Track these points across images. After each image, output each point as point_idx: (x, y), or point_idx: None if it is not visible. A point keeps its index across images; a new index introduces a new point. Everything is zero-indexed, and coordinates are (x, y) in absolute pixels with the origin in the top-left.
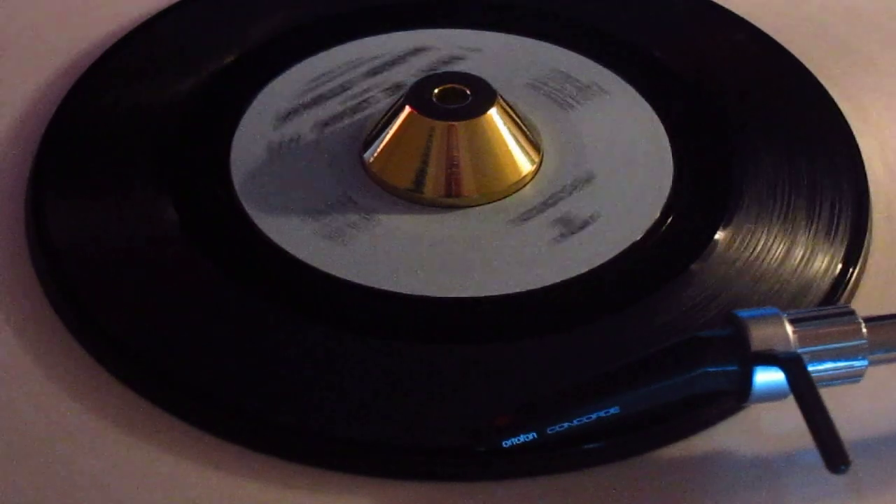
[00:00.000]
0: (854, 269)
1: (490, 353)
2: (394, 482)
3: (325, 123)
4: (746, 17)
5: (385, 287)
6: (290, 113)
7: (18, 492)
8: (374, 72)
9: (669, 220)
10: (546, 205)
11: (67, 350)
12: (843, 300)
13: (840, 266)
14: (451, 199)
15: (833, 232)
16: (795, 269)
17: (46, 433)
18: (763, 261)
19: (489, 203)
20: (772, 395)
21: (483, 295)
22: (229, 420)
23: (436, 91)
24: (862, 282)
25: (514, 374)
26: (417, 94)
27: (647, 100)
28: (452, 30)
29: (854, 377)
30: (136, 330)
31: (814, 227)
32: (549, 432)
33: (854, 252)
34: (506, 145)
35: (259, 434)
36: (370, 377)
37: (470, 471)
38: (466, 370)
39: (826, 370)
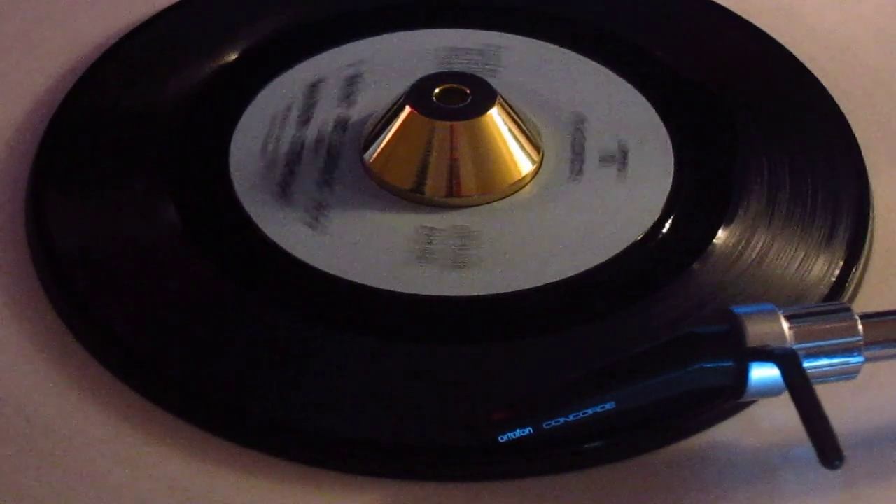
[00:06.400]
0: (855, 269)
1: (490, 352)
2: (394, 482)
3: (325, 123)
4: (747, 18)
5: (385, 287)
6: (289, 113)
7: (16, 490)
8: (374, 72)
9: (669, 220)
10: (546, 205)
11: (67, 349)
12: (843, 300)
13: (840, 266)
14: (451, 198)
15: (834, 232)
16: (796, 269)
17: (46, 431)
18: (763, 261)
19: (489, 203)
20: (767, 391)
21: (483, 294)
22: (228, 419)
23: (436, 91)
24: (863, 282)
25: (514, 373)
26: (417, 94)
27: (647, 99)
28: (452, 30)
29: (850, 374)
30: (136, 329)
31: (814, 227)
32: (545, 427)
33: (854, 252)
34: (506, 145)
35: (258, 433)
36: (370, 377)
37: (470, 471)
38: (466, 370)
39: (822, 366)
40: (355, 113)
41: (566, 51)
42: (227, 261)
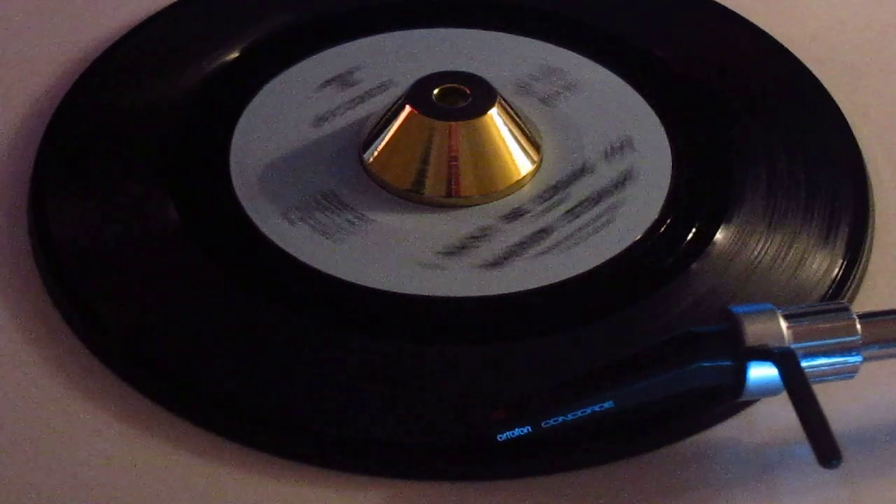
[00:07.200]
0: (855, 268)
1: (490, 353)
2: (394, 482)
3: (325, 123)
4: (747, 17)
5: (385, 287)
6: (289, 112)
7: (15, 488)
8: (373, 71)
9: (669, 220)
10: (546, 205)
11: (69, 348)
12: (843, 300)
13: (840, 266)
14: (450, 198)
15: (834, 232)
16: (796, 269)
17: (46, 428)
18: (763, 261)
19: (489, 203)
20: (766, 391)
21: (483, 295)
22: (228, 418)
23: (436, 91)
24: (863, 282)
25: (514, 373)
26: (417, 94)
27: (646, 99)
28: (451, 29)
29: (848, 373)
30: (136, 328)
31: (814, 226)
32: (544, 426)
33: (855, 252)
34: (506, 145)
35: (258, 433)
36: (370, 377)
37: (470, 471)
38: (466, 370)
39: (820, 366)
40: (355, 112)
41: (564, 50)
42: (226, 261)
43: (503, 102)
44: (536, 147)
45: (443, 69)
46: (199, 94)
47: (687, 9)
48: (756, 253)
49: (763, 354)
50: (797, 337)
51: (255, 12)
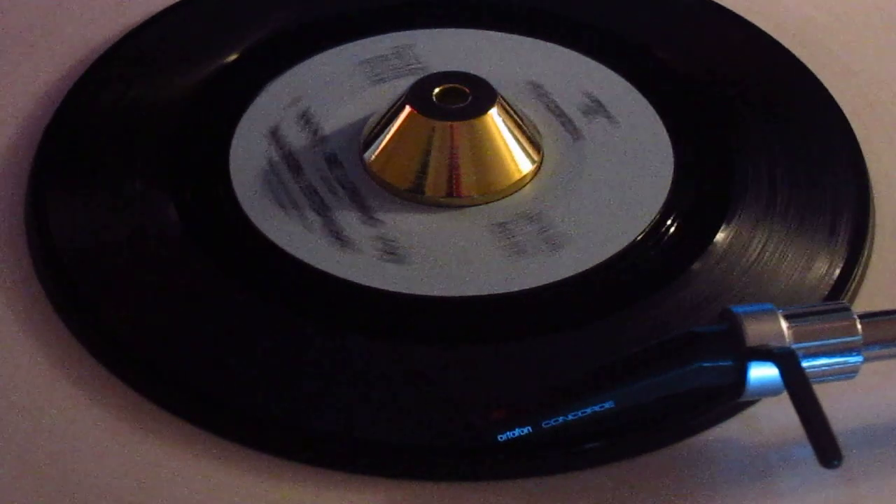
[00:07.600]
0: (856, 269)
1: (490, 353)
2: (394, 482)
3: (325, 123)
4: (747, 17)
5: (385, 287)
6: (289, 113)
7: (17, 490)
8: (374, 71)
9: (669, 220)
10: (546, 204)
11: (67, 349)
12: (843, 300)
13: (841, 266)
14: (451, 198)
15: (834, 231)
16: (796, 269)
17: (45, 430)
18: (764, 261)
19: (489, 203)
20: (766, 391)
21: (483, 294)
22: (228, 419)
23: (436, 91)
24: (864, 282)
25: (515, 373)
26: (418, 94)
27: (647, 99)
28: (452, 29)
29: (849, 373)
30: (135, 329)
31: (815, 226)
32: (544, 426)
33: (855, 252)
34: (506, 145)
35: (258, 433)
36: (370, 377)
37: (470, 471)
38: (467, 370)
39: (820, 366)
40: (356, 112)
41: (566, 50)
42: (226, 261)
43: (503, 102)
44: (537, 147)
45: (442, 70)
46: (199, 94)
47: (687, 9)
48: (756, 253)
49: (764, 354)
50: (798, 337)
51: (255, 13)
